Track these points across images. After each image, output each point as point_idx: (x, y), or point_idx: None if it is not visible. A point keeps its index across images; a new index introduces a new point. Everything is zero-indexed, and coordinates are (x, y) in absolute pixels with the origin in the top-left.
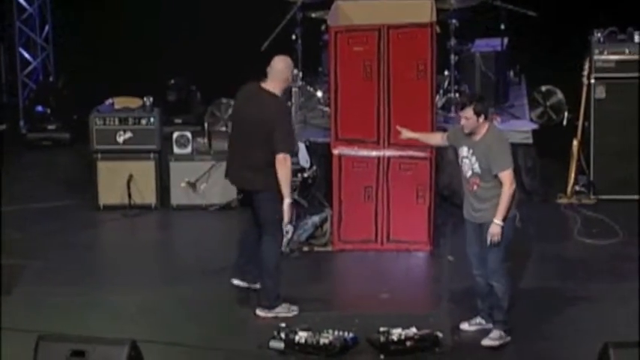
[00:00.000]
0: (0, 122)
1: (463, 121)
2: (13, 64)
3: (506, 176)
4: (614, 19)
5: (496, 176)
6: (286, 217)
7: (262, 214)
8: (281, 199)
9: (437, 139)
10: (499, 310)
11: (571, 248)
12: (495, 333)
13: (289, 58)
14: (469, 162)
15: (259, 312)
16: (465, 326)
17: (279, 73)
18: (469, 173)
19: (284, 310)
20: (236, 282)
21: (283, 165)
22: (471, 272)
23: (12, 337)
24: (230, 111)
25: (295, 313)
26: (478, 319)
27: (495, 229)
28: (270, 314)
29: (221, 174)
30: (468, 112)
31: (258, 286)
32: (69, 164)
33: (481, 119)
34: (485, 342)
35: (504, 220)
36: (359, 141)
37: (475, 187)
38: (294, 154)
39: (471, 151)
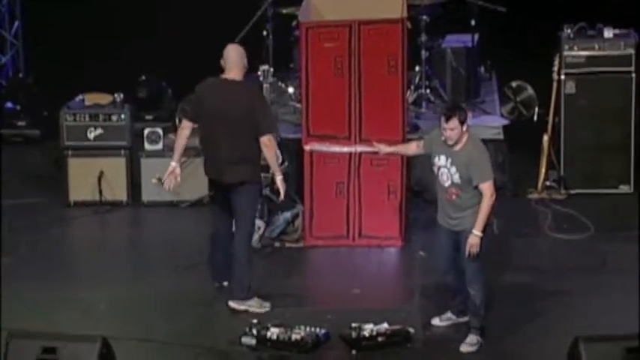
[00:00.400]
0: None
1: (449, 133)
2: None
3: (487, 188)
4: (583, 15)
5: (476, 187)
6: (282, 191)
7: (241, 206)
8: (257, 186)
9: (413, 149)
10: (476, 317)
11: (542, 243)
12: (472, 338)
13: (239, 45)
14: (448, 172)
15: (231, 303)
16: (436, 322)
17: (236, 60)
18: (447, 183)
19: (256, 305)
20: (225, 283)
21: (270, 146)
22: (442, 268)
23: None
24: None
25: (267, 309)
26: (449, 314)
27: (474, 240)
28: (242, 306)
29: (192, 170)
30: (454, 122)
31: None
32: (39, 161)
33: (464, 128)
34: (464, 348)
35: (483, 231)
36: (330, 137)
37: (454, 197)
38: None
39: (449, 160)
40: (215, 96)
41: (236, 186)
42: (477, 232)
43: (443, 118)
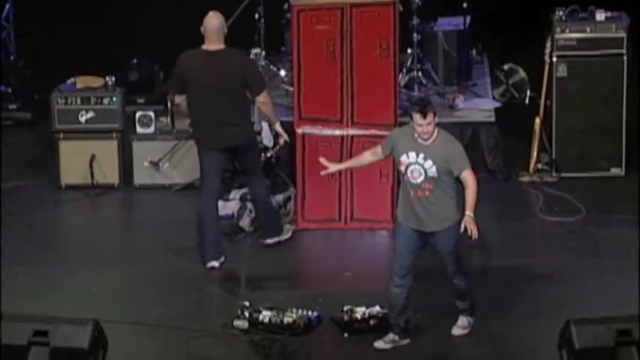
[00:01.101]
0: None
1: (426, 128)
2: None
3: (469, 175)
4: None
5: (457, 177)
6: (283, 137)
7: (251, 163)
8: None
9: (368, 158)
10: (463, 300)
11: (533, 226)
12: (463, 320)
13: (218, 12)
14: (420, 167)
15: (269, 241)
16: (380, 344)
17: (219, 29)
18: (420, 179)
19: (285, 233)
20: (215, 263)
21: (267, 102)
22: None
23: None
24: None
25: (290, 232)
26: (391, 336)
27: (470, 219)
28: (275, 239)
29: (184, 153)
30: (431, 116)
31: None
32: (30, 144)
33: (436, 119)
34: (456, 331)
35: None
36: (322, 120)
37: (427, 193)
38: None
39: (422, 155)
40: (203, 68)
41: (240, 147)
42: (469, 212)
43: (418, 115)
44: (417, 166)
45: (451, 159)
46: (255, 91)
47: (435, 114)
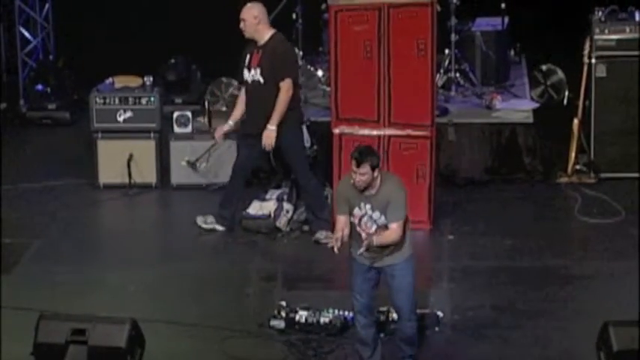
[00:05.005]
0: None
1: (359, 177)
2: (13, 42)
3: (398, 227)
4: None
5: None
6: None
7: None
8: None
9: (347, 223)
10: (412, 346)
11: (572, 227)
12: None
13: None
14: (370, 218)
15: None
16: None
17: None
18: (374, 228)
19: (324, 234)
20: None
21: None
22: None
23: (12, 316)
24: (230, 90)
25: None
26: None
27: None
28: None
29: (221, 153)
30: (365, 167)
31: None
32: (69, 143)
33: (375, 172)
34: None
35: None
36: (359, 120)
37: None
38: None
39: (369, 206)
40: None
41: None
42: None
43: (353, 162)
44: (368, 218)
45: (390, 208)
46: None
47: (373, 168)
